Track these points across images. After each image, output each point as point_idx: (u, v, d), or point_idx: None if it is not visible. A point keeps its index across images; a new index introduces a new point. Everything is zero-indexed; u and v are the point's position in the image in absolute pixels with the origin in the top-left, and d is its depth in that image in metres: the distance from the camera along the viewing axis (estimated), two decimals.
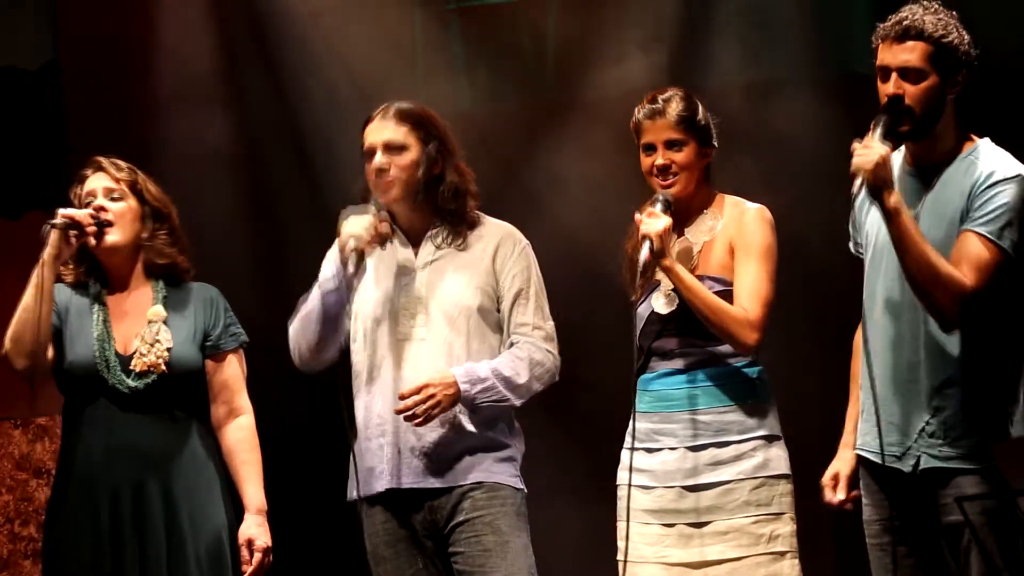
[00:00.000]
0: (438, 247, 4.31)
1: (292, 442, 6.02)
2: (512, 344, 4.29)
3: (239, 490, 4.28)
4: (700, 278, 4.16)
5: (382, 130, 4.27)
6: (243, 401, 4.32)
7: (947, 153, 3.96)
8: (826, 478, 4.13)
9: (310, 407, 5.38)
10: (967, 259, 3.82)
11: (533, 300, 4.31)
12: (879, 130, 3.84)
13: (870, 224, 4.03)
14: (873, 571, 4.02)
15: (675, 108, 4.25)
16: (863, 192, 3.89)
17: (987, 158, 3.93)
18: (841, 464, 4.12)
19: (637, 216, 4.19)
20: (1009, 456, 3.74)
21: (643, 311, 4.31)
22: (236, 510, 4.32)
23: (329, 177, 5.95)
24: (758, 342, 4.16)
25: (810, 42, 5.71)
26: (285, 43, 6.18)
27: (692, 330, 4.18)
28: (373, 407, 4.26)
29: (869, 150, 3.80)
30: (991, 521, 3.83)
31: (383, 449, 4.22)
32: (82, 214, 4.15)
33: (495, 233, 4.35)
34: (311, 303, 4.27)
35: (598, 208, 5.72)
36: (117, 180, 4.24)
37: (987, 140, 3.98)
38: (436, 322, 4.25)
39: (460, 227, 4.31)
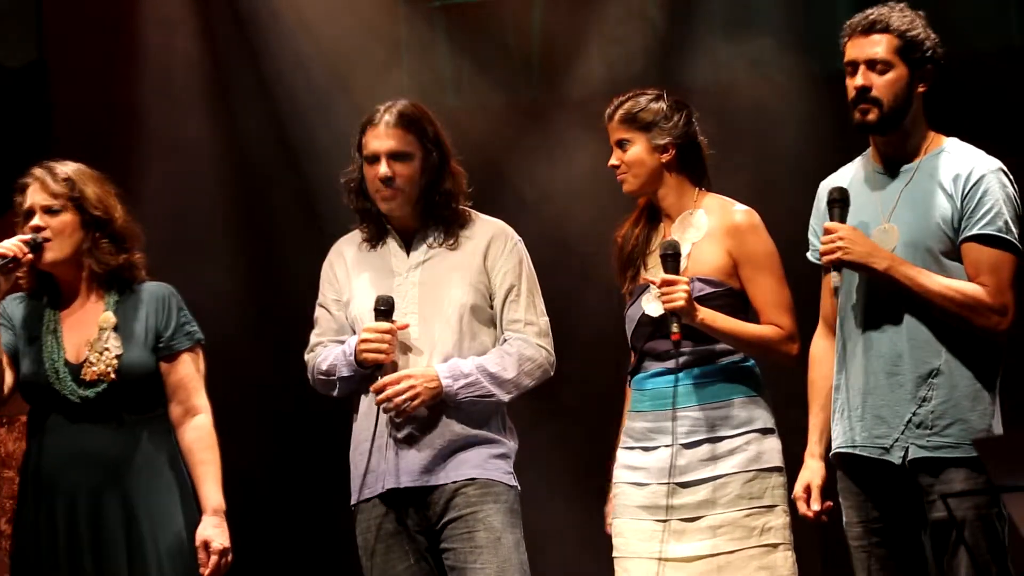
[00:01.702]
0: (430, 247, 4.31)
1: (288, 444, 6.05)
2: (504, 341, 4.30)
3: (197, 490, 4.24)
4: (689, 280, 4.17)
5: (387, 138, 4.24)
6: (199, 400, 4.27)
7: (918, 149, 4.02)
8: (798, 490, 4.14)
9: (305, 406, 5.41)
10: (983, 269, 3.90)
11: (525, 296, 4.31)
12: (836, 211, 3.96)
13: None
14: (856, 573, 4.04)
15: (622, 109, 4.31)
16: (824, 204, 4.01)
17: (962, 154, 3.99)
18: (811, 475, 4.13)
19: (650, 278, 4.21)
20: (993, 452, 3.76)
21: (633, 313, 4.33)
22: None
23: (315, 173, 5.96)
24: (799, 348, 4.23)
25: (795, 40, 5.74)
26: (270, 40, 6.19)
27: (684, 331, 4.18)
28: (370, 408, 4.25)
29: (832, 237, 3.90)
30: (979, 517, 3.86)
31: (381, 450, 4.22)
32: (13, 245, 4.10)
33: (486, 231, 4.34)
34: (331, 359, 4.29)
35: (584, 206, 5.73)
36: (54, 194, 4.18)
37: (956, 139, 4.04)
38: (429, 321, 4.25)
39: (452, 227, 4.32)
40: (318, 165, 5.87)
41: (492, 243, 4.32)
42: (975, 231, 3.91)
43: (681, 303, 4.09)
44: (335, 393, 4.33)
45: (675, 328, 4.10)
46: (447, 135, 4.33)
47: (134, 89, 6.12)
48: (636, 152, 4.29)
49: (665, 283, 4.12)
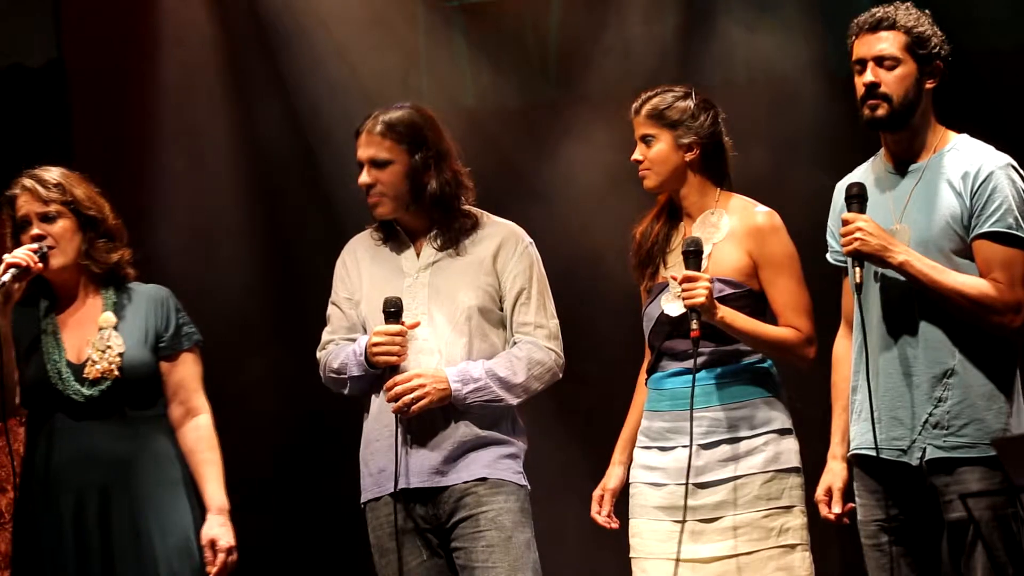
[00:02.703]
0: (440, 248, 4.32)
1: (301, 443, 6.05)
2: (515, 344, 4.30)
3: (200, 490, 4.26)
4: (710, 279, 4.15)
5: (367, 146, 4.29)
6: (200, 401, 4.31)
7: (927, 146, 4.02)
8: (819, 493, 4.15)
9: (317, 407, 5.41)
10: (995, 266, 3.90)
11: (535, 299, 4.31)
12: (854, 204, 3.94)
13: None
14: (870, 572, 4.04)
15: (649, 105, 4.30)
16: (843, 199, 3.99)
17: (970, 151, 3.99)
18: (832, 477, 4.14)
19: (671, 275, 4.22)
20: (1011, 452, 3.75)
21: (652, 312, 4.32)
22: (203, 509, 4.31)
23: (333, 174, 5.97)
24: (817, 350, 4.23)
25: (814, 38, 5.72)
26: (288, 40, 6.19)
27: (702, 330, 4.17)
28: (380, 409, 4.26)
29: (851, 228, 3.89)
30: (996, 517, 3.85)
31: (392, 450, 4.22)
32: (24, 255, 4.14)
33: (497, 233, 4.35)
34: (341, 363, 4.29)
35: (601, 205, 5.72)
36: (47, 201, 4.21)
37: (965, 135, 4.03)
38: (438, 323, 4.26)
39: (454, 229, 4.31)
40: (335, 164, 5.88)
41: (503, 245, 4.32)
42: (985, 229, 3.91)
43: (702, 300, 4.08)
44: (346, 391, 4.34)
45: (695, 325, 4.09)
46: (448, 135, 4.33)
47: (152, 87, 6.13)
48: (660, 149, 4.27)
49: (686, 279, 4.11)
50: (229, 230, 6.08)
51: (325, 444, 5.88)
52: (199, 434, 4.28)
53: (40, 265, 4.16)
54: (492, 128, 5.92)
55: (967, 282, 3.89)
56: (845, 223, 3.93)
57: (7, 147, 6.15)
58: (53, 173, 4.26)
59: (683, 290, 4.11)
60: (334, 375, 4.34)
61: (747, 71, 5.85)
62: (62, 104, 6.21)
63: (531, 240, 4.39)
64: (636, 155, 4.31)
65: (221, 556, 4.20)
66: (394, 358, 4.19)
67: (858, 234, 3.90)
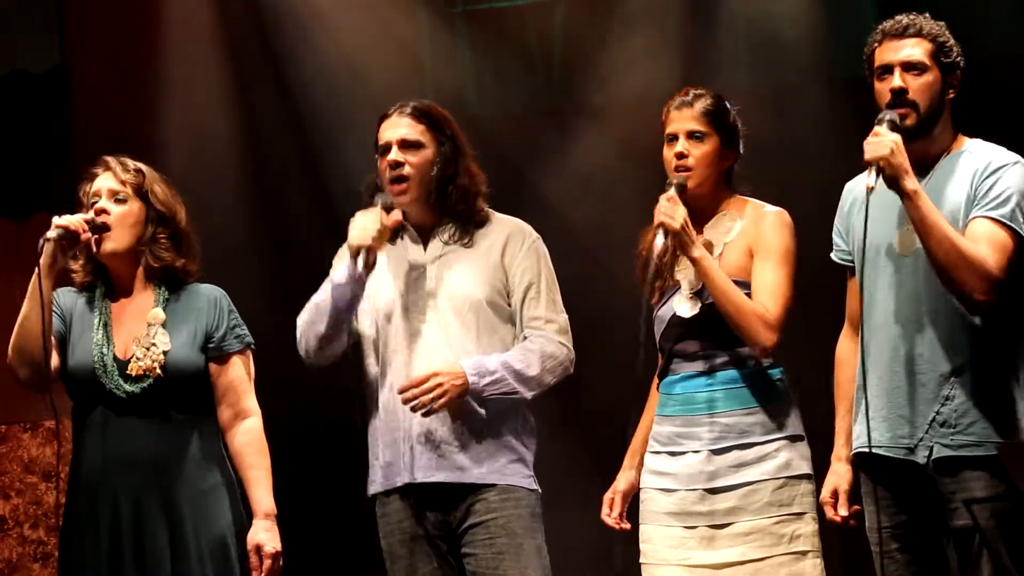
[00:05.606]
0: (446, 243, 4.32)
1: (304, 440, 6.05)
2: (525, 338, 4.29)
3: (247, 494, 4.24)
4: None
5: (398, 127, 4.29)
6: (249, 403, 4.27)
7: (941, 152, 4.01)
8: (825, 495, 4.14)
9: (322, 404, 5.41)
10: (984, 240, 3.85)
11: (545, 294, 4.31)
12: (885, 124, 3.89)
13: (859, 227, 4.02)
14: None
15: (703, 102, 4.27)
16: (851, 199, 3.96)
17: (982, 151, 3.99)
18: (838, 479, 4.13)
19: (662, 237, 4.20)
20: (1016, 458, 3.74)
21: (664, 313, 4.31)
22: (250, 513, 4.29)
23: (335, 180, 5.97)
24: (775, 344, 4.15)
25: (818, 45, 5.73)
26: (292, 46, 6.21)
27: (715, 333, 4.17)
28: (388, 402, 4.26)
29: (880, 139, 3.85)
30: (1001, 523, 3.84)
31: (398, 443, 4.23)
32: (76, 221, 4.10)
33: (504, 228, 4.35)
34: (321, 294, 4.29)
35: (605, 211, 5.74)
36: (123, 182, 4.20)
37: (979, 140, 4.03)
38: (446, 316, 4.26)
39: (469, 225, 4.32)
40: (338, 168, 5.89)
41: (510, 240, 4.33)
42: (984, 212, 3.87)
43: (676, 226, 4.08)
44: (323, 328, 4.25)
45: (660, 241, 4.09)
46: (464, 137, 4.34)
47: (154, 94, 6.14)
48: (707, 150, 4.25)
49: (668, 200, 4.10)
50: (230, 233, 6.08)
51: (326, 443, 5.88)
52: (247, 438, 4.24)
53: (88, 235, 4.12)
54: (495, 134, 5.91)
55: (965, 240, 3.83)
56: (875, 135, 3.85)
57: (9, 153, 6.17)
58: (139, 163, 4.27)
59: (662, 213, 4.08)
60: (309, 317, 4.27)
61: (751, 75, 5.85)
62: (64, 111, 6.22)
63: (538, 235, 4.39)
64: (680, 148, 4.24)
65: (267, 562, 4.16)
66: (370, 241, 4.14)
67: (890, 145, 3.82)
